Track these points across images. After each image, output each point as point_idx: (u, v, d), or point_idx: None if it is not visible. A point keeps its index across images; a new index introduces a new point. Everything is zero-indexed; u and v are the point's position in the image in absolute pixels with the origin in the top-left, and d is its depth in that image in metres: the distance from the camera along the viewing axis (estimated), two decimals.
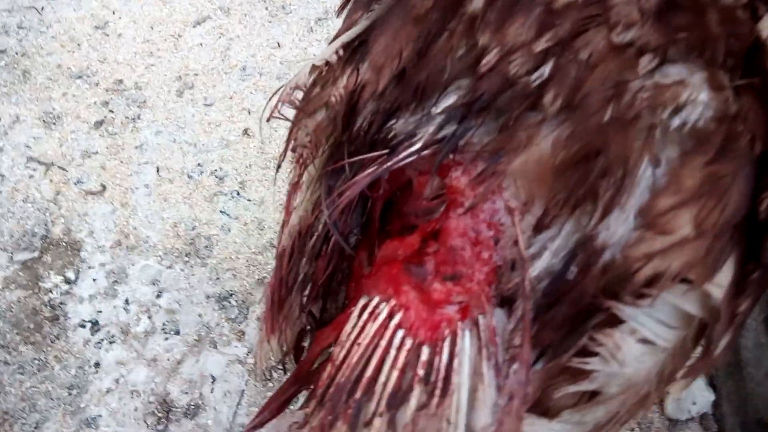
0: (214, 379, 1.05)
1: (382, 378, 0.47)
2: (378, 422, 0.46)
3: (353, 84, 0.52)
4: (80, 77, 1.32)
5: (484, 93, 0.45)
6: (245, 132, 1.26)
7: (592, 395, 0.47)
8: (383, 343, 0.48)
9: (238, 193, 1.20)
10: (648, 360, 0.44)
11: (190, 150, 1.24)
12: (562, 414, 0.48)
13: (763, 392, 0.92)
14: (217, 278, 1.12)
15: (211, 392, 1.04)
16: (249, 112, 1.27)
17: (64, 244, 1.15)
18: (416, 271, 0.49)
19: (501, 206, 0.47)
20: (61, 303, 1.10)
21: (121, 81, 1.31)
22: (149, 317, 1.09)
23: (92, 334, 1.08)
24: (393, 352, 0.48)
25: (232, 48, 1.35)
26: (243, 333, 1.08)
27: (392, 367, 0.47)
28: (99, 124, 1.27)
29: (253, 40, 1.36)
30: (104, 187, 1.20)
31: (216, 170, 1.22)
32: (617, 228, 0.44)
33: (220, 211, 1.18)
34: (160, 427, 1.01)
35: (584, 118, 0.44)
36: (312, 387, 0.54)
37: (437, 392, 0.46)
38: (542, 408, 0.50)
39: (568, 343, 0.47)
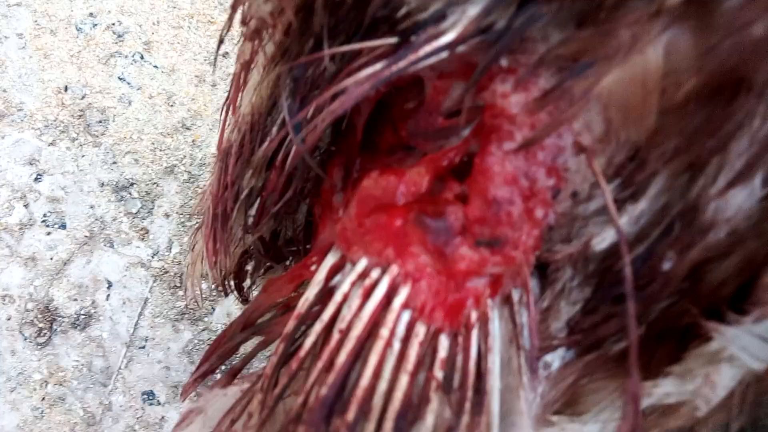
0: (110, 284, 0.87)
1: (382, 385, 0.32)
2: None
3: None
4: None
5: None
6: None
7: None
8: (384, 332, 0.33)
9: (142, 57, 0.96)
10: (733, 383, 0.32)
11: None
12: (591, 411, 0.36)
13: None
14: (114, 162, 0.91)
15: (107, 299, 0.86)
16: None
17: None
18: (433, 227, 0.33)
19: (568, 143, 0.32)
20: None
21: None
22: (25, 205, 0.87)
23: None
24: (397, 344, 0.32)
25: None
26: (147, 231, 0.89)
27: (397, 368, 0.32)
28: None
29: None
30: None
31: (113, 24, 0.96)
32: (737, 200, 0.30)
33: (119, 78, 0.94)
34: (41, 340, 0.83)
35: (722, 25, 0.28)
36: (263, 339, 0.39)
37: (467, 405, 0.32)
38: (574, 408, 0.38)
39: (604, 334, 0.34)
